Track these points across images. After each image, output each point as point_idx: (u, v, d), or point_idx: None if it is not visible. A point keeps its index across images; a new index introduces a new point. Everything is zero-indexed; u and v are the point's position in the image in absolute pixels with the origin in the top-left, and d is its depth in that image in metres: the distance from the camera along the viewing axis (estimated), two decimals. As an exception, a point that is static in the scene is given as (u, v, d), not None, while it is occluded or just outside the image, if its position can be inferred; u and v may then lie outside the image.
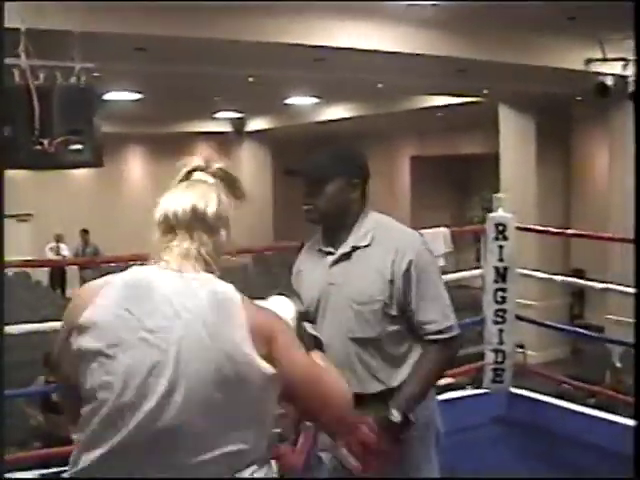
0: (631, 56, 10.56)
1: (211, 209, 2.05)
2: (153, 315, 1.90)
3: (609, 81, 10.57)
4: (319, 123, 19.69)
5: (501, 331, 5.98)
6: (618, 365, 10.06)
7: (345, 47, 8.80)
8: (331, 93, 16.11)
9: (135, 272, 2.03)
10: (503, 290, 5.94)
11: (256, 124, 22.53)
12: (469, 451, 5.21)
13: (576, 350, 13.69)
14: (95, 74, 9.89)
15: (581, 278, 12.23)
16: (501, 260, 5.90)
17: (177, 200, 2.09)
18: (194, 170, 2.19)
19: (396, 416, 2.82)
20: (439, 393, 6.33)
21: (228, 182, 2.17)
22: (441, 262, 5.96)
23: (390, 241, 2.97)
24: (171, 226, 2.06)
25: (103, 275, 2.06)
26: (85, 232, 19.81)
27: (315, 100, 17.25)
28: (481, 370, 6.20)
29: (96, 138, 6.65)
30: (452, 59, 9.66)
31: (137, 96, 15.36)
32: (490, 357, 6.04)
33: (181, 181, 2.18)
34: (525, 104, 14.12)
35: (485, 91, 13.32)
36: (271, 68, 10.61)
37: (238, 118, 22.31)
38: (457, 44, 9.50)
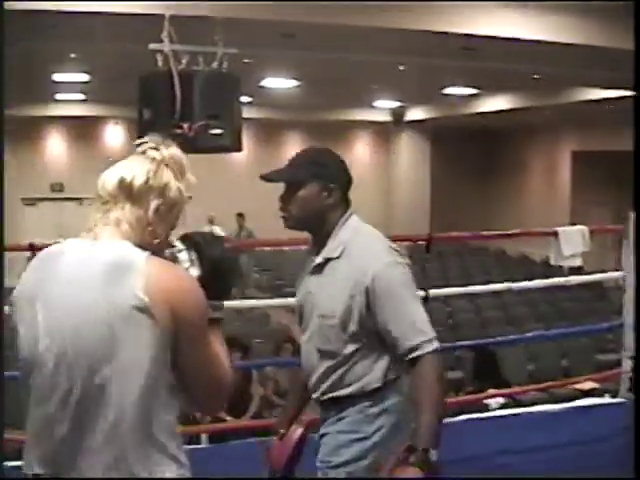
0: None
1: (138, 180, 2.05)
2: (52, 283, 1.97)
3: None
4: (477, 114, 19.32)
5: (641, 337, 5.70)
6: None
7: (494, 36, 8.54)
8: (488, 84, 15.77)
9: (60, 243, 2.08)
10: (644, 294, 5.65)
11: (415, 114, 22.28)
12: (591, 462, 4.98)
13: None
14: (246, 60, 10.07)
15: None
16: (643, 262, 5.60)
17: (109, 171, 2.10)
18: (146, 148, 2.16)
19: (432, 455, 2.60)
20: (576, 398, 6.15)
21: (173, 161, 2.16)
22: (577, 262, 5.73)
23: (358, 255, 2.87)
24: (101, 196, 2.08)
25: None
26: (241, 216, 20.12)
27: (472, 90, 16.93)
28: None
29: (236, 123, 6.69)
30: (610, 49, 9.24)
31: (294, 83, 15.44)
32: (627, 365, 5.77)
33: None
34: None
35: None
36: (422, 56, 10.46)
37: (397, 107, 22.14)
38: (615, 34, 9.08)
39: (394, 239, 3.19)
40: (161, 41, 6.29)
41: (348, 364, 2.86)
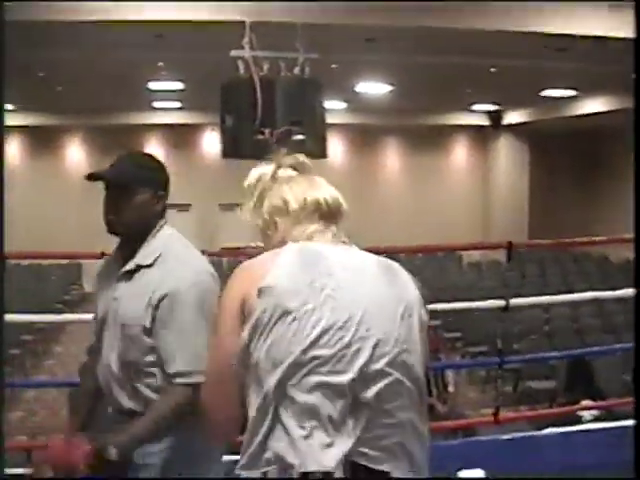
0: None
1: (343, 200, 2.28)
2: (332, 277, 2.02)
3: None
4: (577, 117, 18.86)
5: None
6: None
7: (590, 35, 8.30)
8: (586, 85, 15.39)
9: (300, 244, 2.13)
10: None
11: (513, 117, 21.92)
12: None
13: None
14: (333, 66, 10.02)
15: None
16: None
17: (321, 191, 2.25)
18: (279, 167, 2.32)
19: (112, 454, 2.55)
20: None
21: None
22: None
23: (170, 266, 2.78)
24: (317, 213, 2.21)
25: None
26: (337, 222, 20.18)
27: (571, 92, 16.55)
28: None
29: (319, 129, 6.63)
30: None
31: (388, 88, 15.34)
32: None
33: (273, 177, 2.28)
34: None
35: None
36: (518, 58, 10.25)
37: (494, 111, 21.83)
38: None
39: (474, 247, 3.06)
40: (242, 48, 6.27)
41: (145, 377, 2.78)
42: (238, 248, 9.85)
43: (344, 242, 2.21)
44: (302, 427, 1.91)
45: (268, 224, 2.22)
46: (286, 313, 1.96)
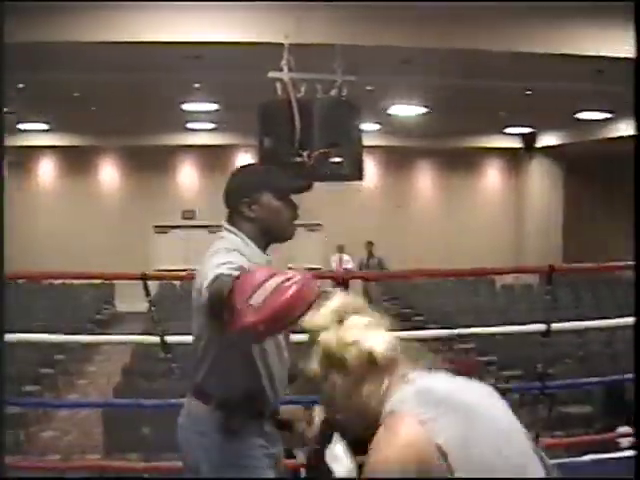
0: None
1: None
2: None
3: None
4: (612, 139, 18.73)
5: None
6: None
7: (626, 57, 8.22)
8: (621, 107, 15.28)
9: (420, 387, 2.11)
10: None
11: (547, 140, 21.84)
12: None
13: None
14: (368, 88, 10.03)
15: None
16: None
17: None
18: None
19: None
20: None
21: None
22: None
23: None
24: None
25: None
26: (370, 243, 20.19)
27: (606, 115, 16.45)
28: None
29: (356, 151, 6.59)
30: None
31: (422, 110, 15.33)
32: None
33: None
34: None
35: None
36: (552, 80, 10.20)
37: (528, 134, 21.76)
38: None
39: (515, 270, 3.12)
40: (280, 69, 6.27)
41: None
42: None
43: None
44: None
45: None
46: None
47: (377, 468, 1.98)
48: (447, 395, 2.06)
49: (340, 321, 2.14)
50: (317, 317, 2.18)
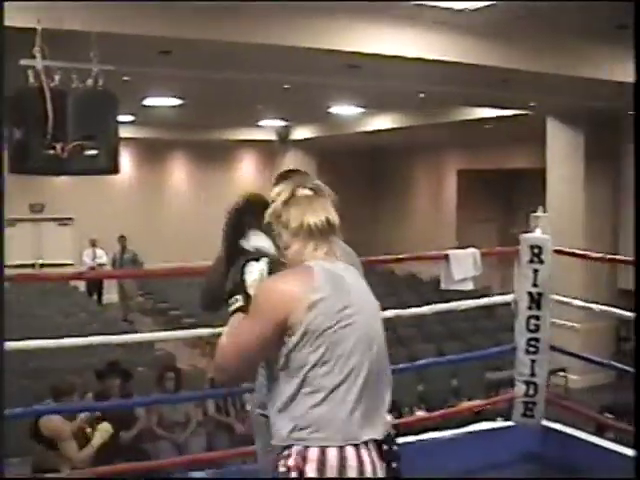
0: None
1: (335, 219, 2.80)
2: (350, 294, 2.68)
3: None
4: (365, 133, 19.28)
5: (533, 362, 5.62)
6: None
7: (380, 54, 8.37)
8: (376, 102, 15.73)
9: (321, 265, 2.69)
10: (537, 318, 5.58)
11: (301, 133, 22.20)
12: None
13: (622, 374, 13.07)
14: (125, 78, 9.71)
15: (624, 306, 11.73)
16: (535, 285, 5.51)
17: (314, 214, 2.76)
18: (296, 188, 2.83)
19: None
20: (469, 423, 6.00)
21: (324, 193, 2.89)
22: (469, 286, 5.58)
23: None
24: (312, 234, 2.73)
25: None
26: (123, 238, 19.66)
27: (359, 110, 16.88)
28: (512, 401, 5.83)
29: (112, 144, 6.34)
30: (496, 69, 9.19)
31: (178, 102, 15.11)
32: (521, 389, 5.67)
33: (289, 199, 2.80)
34: (574, 118, 13.58)
35: (532, 103, 12.82)
36: (307, 75, 10.26)
37: (283, 126, 22.01)
38: (501, 53, 9.04)
39: None
40: (33, 56, 5.91)
41: None
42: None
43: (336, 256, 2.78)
44: None
45: (286, 241, 2.77)
46: (328, 327, 2.58)
47: (260, 287, 2.73)
48: (340, 295, 2.65)
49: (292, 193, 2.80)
50: (279, 188, 2.85)
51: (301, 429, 2.56)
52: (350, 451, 2.56)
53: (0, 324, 2.79)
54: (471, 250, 5.51)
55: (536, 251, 5.50)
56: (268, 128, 22.14)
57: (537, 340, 5.57)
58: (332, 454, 2.54)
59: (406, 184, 24.44)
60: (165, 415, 8.43)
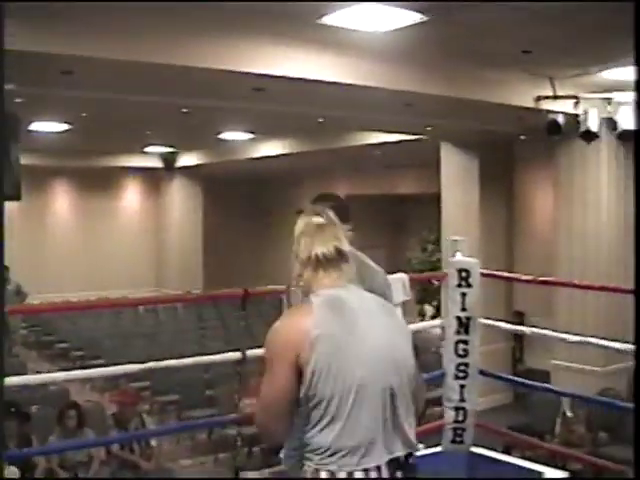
0: (582, 94, 10.24)
1: (345, 247, 2.87)
2: (356, 322, 2.70)
3: (560, 119, 10.18)
4: (254, 159, 19.06)
5: (462, 387, 5.50)
6: (569, 414, 9.55)
7: (285, 76, 8.17)
8: (267, 128, 15.58)
9: (323, 293, 2.77)
10: (465, 342, 5.48)
11: (187, 159, 21.83)
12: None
13: (519, 396, 13.21)
14: (18, 99, 9.25)
15: (520, 323, 11.89)
16: (464, 309, 5.42)
17: (322, 244, 2.86)
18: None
19: None
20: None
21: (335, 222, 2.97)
22: (398, 311, 5.42)
23: None
24: (320, 263, 2.83)
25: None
26: (5, 269, 18.86)
27: (250, 135, 16.69)
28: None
29: (13, 169, 5.99)
30: (397, 92, 9.13)
31: (65, 127, 14.65)
32: (450, 416, 5.54)
33: (303, 229, 3.00)
34: (468, 142, 13.69)
35: (428, 128, 12.85)
36: (206, 98, 10.00)
37: (169, 153, 21.61)
38: (402, 76, 8.97)
39: (212, 297, 3.04)
40: None
41: None
42: None
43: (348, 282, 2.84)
44: None
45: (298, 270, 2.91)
46: (333, 360, 2.60)
47: (268, 335, 2.74)
48: (343, 322, 2.70)
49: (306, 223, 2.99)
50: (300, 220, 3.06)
51: (308, 457, 2.66)
52: (359, 475, 2.61)
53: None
54: (399, 275, 5.37)
55: (464, 275, 5.43)
56: (154, 155, 21.71)
57: (466, 365, 5.48)
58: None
59: (291, 211, 24.26)
60: (67, 455, 8.03)
